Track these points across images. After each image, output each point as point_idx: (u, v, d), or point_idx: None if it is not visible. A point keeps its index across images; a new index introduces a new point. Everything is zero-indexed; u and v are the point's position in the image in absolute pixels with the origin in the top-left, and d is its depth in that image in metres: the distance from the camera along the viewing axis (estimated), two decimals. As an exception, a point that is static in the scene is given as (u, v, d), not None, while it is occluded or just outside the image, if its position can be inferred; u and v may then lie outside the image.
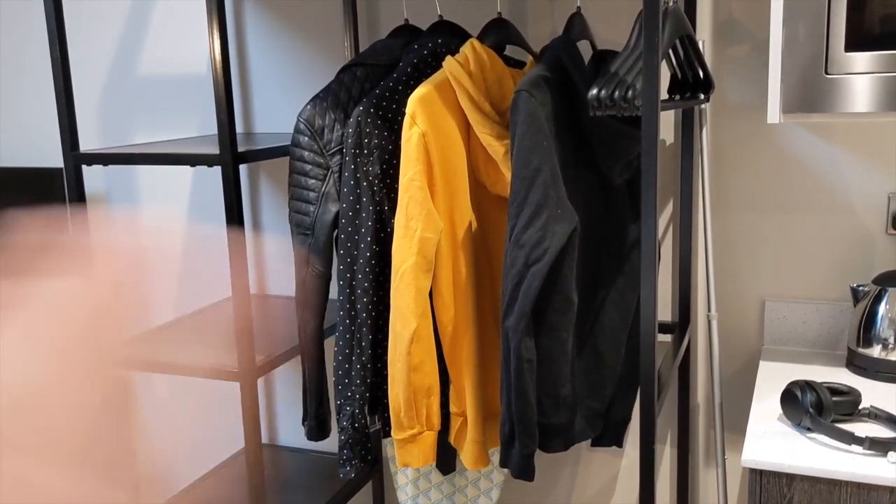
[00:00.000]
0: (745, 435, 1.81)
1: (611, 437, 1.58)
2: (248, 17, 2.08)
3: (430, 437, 1.52)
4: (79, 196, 1.67)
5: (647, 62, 1.21)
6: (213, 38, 1.47)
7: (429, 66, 1.54)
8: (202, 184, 2.22)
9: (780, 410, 1.39)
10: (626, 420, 1.58)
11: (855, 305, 1.59)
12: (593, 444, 1.59)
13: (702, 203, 1.72)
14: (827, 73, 1.32)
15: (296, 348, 1.70)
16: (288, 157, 1.57)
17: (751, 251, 1.75)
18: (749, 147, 1.72)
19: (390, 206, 1.50)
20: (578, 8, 1.52)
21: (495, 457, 1.69)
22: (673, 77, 1.58)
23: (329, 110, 1.54)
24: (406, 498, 1.80)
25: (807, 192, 1.69)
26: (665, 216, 1.81)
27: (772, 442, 1.31)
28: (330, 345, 1.66)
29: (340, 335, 1.54)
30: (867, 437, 1.25)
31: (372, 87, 1.57)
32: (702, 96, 1.60)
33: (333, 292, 1.58)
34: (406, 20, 1.71)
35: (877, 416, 1.35)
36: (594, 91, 1.28)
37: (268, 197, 2.15)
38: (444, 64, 1.46)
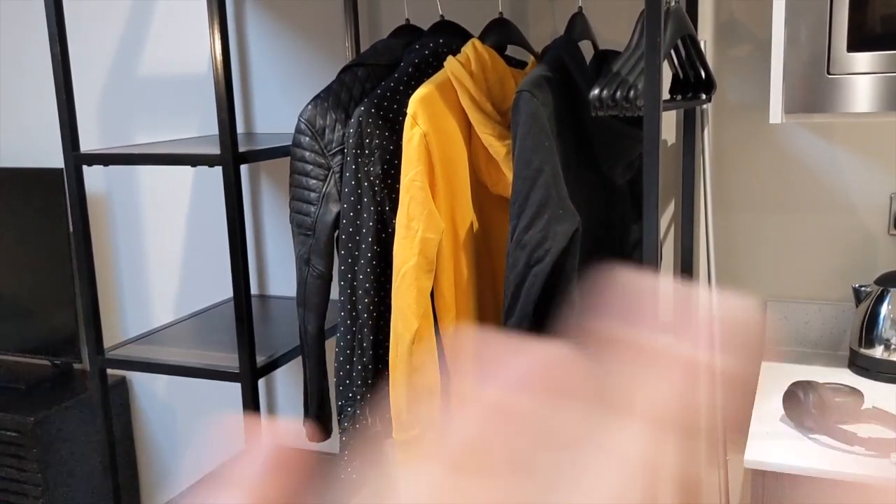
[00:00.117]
0: (746, 436, 1.80)
1: (612, 437, 1.58)
2: (248, 17, 2.08)
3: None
4: (79, 196, 1.67)
5: (649, 62, 1.20)
6: (213, 37, 1.47)
7: (430, 67, 1.54)
8: (203, 184, 2.22)
9: (782, 411, 1.39)
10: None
11: (857, 306, 1.58)
12: (595, 445, 1.58)
13: (703, 203, 1.72)
14: (829, 73, 1.32)
15: (297, 349, 1.69)
16: (289, 158, 1.56)
17: (752, 251, 1.75)
18: (750, 147, 1.72)
19: (391, 206, 1.50)
20: (580, 8, 1.52)
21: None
22: (674, 77, 1.57)
23: (330, 110, 1.54)
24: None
25: (808, 192, 1.69)
26: (666, 216, 1.81)
27: (774, 443, 1.31)
28: (331, 345, 1.66)
29: (341, 336, 1.54)
30: (870, 438, 1.24)
31: (373, 87, 1.57)
32: (703, 96, 1.59)
33: (334, 293, 1.58)
34: (407, 20, 1.71)
35: (879, 416, 1.35)
36: (596, 91, 1.27)
37: (268, 197, 2.15)
38: (445, 64, 1.45)
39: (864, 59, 1.29)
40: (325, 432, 1.66)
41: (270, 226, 2.16)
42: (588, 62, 1.49)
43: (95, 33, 2.24)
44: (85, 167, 1.68)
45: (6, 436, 2.18)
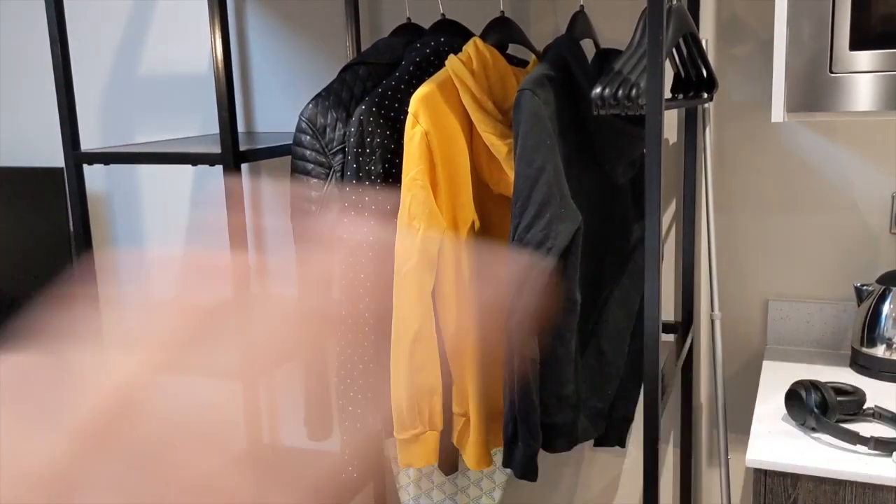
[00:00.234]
0: (748, 435, 1.80)
1: (614, 436, 1.57)
2: (249, 16, 2.08)
3: (432, 438, 1.52)
4: (80, 196, 1.66)
5: (652, 60, 1.20)
6: (214, 36, 1.46)
7: (431, 65, 1.53)
8: (203, 183, 2.21)
9: (784, 410, 1.39)
10: (629, 419, 1.57)
11: (859, 305, 1.58)
12: (596, 444, 1.58)
13: (705, 202, 1.72)
14: (831, 72, 1.31)
15: (298, 348, 1.69)
16: (290, 157, 1.56)
17: (754, 250, 1.75)
18: (752, 146, 1.72)
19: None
20: (581, 6, 1.52)
21: (498, 457, 1.69)
22: (676, 76, 1.57)
23: (331, 109, 1.54)
24: (408, 498, 1.79)
25: (810, 191, 1.69)
26: (668, 215, 1.80)
27: (776, 442, 1.31)
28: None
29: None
30: (872, 437, 1.24)
31: (374, 85, 1.57)
32: (705, 95, 1.59)
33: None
34: (408, 19, 1.71)
35: (881, 415, 1.35)
36: (598, 90, 1.27)
37: (269, 196, 2.15)
38: (446, 62, 1.45)
39: (866, 58, 1.29)
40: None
41: (270, 225, 2.16)
42: (590, 61, 1.49)
43: (96, 32, 2.24)
44: (85, 167, 1.67)
45: (6, 435, 2.17)
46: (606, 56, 1.51)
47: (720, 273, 1.77)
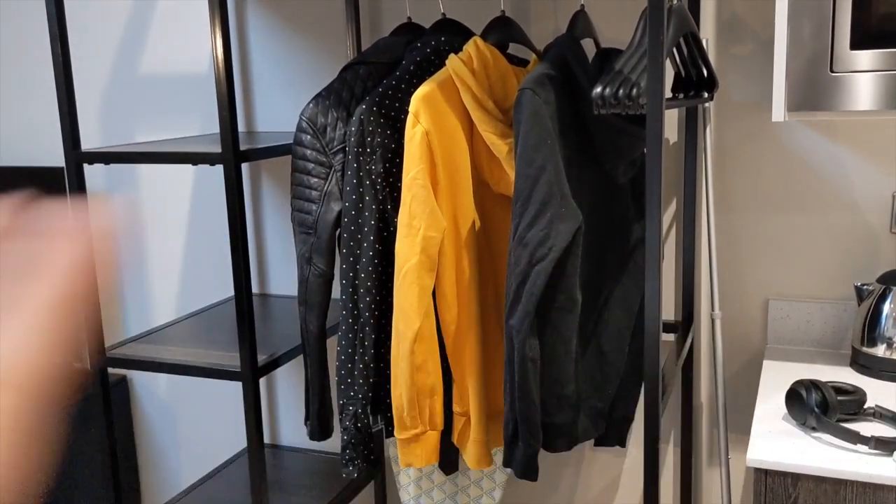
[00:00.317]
0: (748, 434, 1.80)
1: (614, 436, 1.57)
2: (249, 15, 2.08)
3: (433, 437, 1.52)
4: (80, 195, 1.66)
5: (652, 60, 1.20)
6: (215, 35, 1.46)
7: (432, 65, 1.53)
8: (204, 182, 2.21)
9: (784, 410, 1.39)
10: (630, 419, 1.57)
11: (859, 304, 1.58)
12: (597, 444, 1.58)
13: (705, 202, 1.72)
14: (832, 71, 1.31)
15: (298, 348, 1.69)
16: (290, 156, 1.56)
17: (754, 250, 1.75)
18: (753, 146, 1.72)
19: (393, 204, 1.50)
20: (582, 6, 1.52)
21: (498, 456, 1.69)
22: (677, 75, 1.57)
23: (332, 108, 1.53)
24: (408, 498, 1.79)
25: (811, 190, 1.69)
26: (668, 215, 1.80)
27: (777, 441, 1.31)
28: (332, 344, 1.66)
29: (343, 335, 1.54)
30: (872, 437, 1.24)
31: (375, 85, 1.57)
32: (705, 95, 1.59)
33: (336, 292, 1.58)
34: (409, 18, 1.71)
35: (882, 415, 1.35)
36: (598, 89, 1.27)
37: (269, 196, 2.15)
38: (447, 62, 1.45)
39: (867, 57, 1.29)
40: (327, 431, 1.66)
41: (271, 224, 2.16)
42: (590, 60, 1.49)
43: (96, 32, 2.24)
44: (85, 166, 1.67)
45: (7, 435, 2.17)
46: (607, 55, 1.51)
47: (720, 272, 1.77)
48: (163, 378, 2.39)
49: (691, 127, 1.71)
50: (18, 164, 2.42)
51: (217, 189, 2.20)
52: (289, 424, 2.26)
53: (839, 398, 1.33)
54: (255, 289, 2.20)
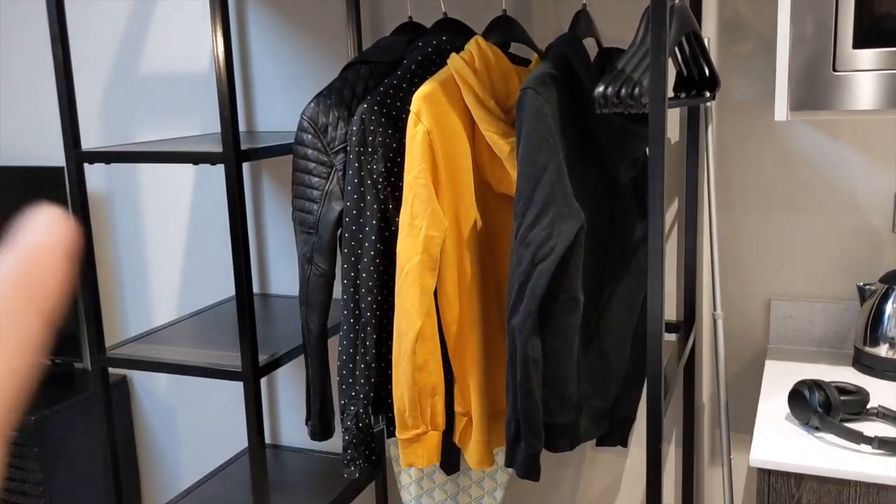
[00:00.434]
0: (750, 434, 1.80)
1: (616, 436, 1.57)
2: (250, 15, 2.07)
3: (434, 437, 1.51)
4: (81, 195, 1.66)
5: (655, 59, 1.20)
6: (216, 35, 1.46)
7: (433, 64, 1.53)
8: (204, 182, 2.21)
9: (787, 410, 1.39)
10: (631, 419, 1.57)
11: (861, 304, 1.58)
12: (598, 444, 1.58)
13: (707, 201, 1.72)
14: (835, 70, 1.31)
15: (299, 348, 1.69)
16: (291, 155, 1.56)
17: (756, 250, 1.74)
18: (755, 145, 1.71)
19: (395, 204, 1.50)
20: (584, 5, 1.51)
21: (499, 457, 1.68)
22: (678, 74, 1.57)
23: (333, 108, 1.53)
24: (410, 498, 1.79)
25: (813, 190, 1.69)
26: (670, 214, 1.80)
27: (780, 441, 1.30)
28: (334, 344, 1.65)
29: (344, 334, 1.54)
30: (876, 437, 1.24)
31: (376, 84, 1.56)
32: (707, 94, 1.59)
33: (337, 291, 1.58)
34: (410, 17, 1.70)
35: (885, 415, 1.34)
36: (601, 88, 1.27)
37: (270, 195, 2.14)
38: (448, 61, 1.45)
39: (869, 56, 1.29)
40: (328, 432, 1.65)
41: (272, 224, 2.16)
42: (592, 59, 1.49)
43: (97, 31, 2.23)
44: (86, 166, 1.67)
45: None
46: (609, 55, 1.51)
47: (722, 272, 1.76)
48: (163, 378, 2.38)
49: (693, 126, 1.71)
50: (18, 163, 2.41)
51: (218, 189, 2.19)
52: (290, 424, 2.26)
53: (842, 398, 1.33)
54: (255, 288, 2.19)
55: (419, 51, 1.54)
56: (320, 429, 1.64)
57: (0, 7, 2.36)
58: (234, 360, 1.60)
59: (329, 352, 1.63)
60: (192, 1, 2.12)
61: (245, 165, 2.11)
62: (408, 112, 1.43)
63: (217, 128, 2.12)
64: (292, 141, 1.55)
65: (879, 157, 1.63)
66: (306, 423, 1.66)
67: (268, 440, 2.27)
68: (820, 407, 1.31)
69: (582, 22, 1.50)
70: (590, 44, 1.53)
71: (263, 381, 2.22)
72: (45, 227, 0.26)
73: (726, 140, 1.73)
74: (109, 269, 2.37)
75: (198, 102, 2.16)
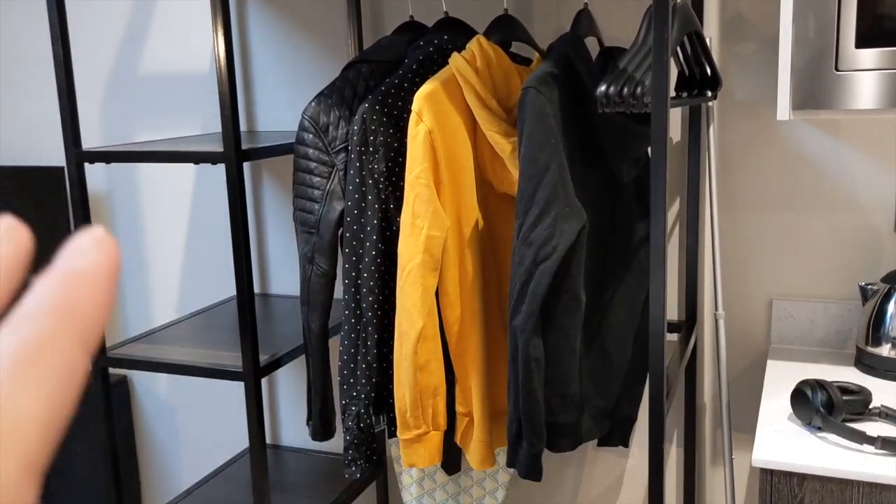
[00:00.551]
0: (751, 434, 1.80)
1: (617, 436, 1.57)
2: (251, 14, 2.07)
3: (436, 438, 1.51)
4: (81, 195, 1.65)
5: (657, 58, 1.19)
6: (217, 34, 1.46)
7: (435, 63, 1.53)
8: (205, 182, 2.21)
9: (789, 410, 1.38)
10: (633, 419, 1.57)
11: (863, 304, 1.57)
12: (600, 444, 1.57)
13: (709, 201, 1.71)
14: (837, 70, 1.31)
15: (300, 348, 1.68)
16: (291, 155, 1.55)
17: (758, 249, 1.74)
18: (756, 145, 1.71)
19: (396, 204, 1.49)
20: (585, 4, 1.51)
21: (501, 457, 1.68)
22: (680, 74, 1.56)
23: (334, 107, 1.53)
24: (411, 498, 1.79)
25: (815, 190, 1.68)
26: (672, 214, 1.80)
27: (782, 441, 1.30)
28: (335, 344, 1.65)
29: (345, 334, 1.53)
30: (879, 437, 1.24)
31: (377, 84, 1.56)
32: (709, 94, 1.58)
33: (338, 291, 1.57)
34: (411, 17, 1.70)
35: (887, 415, 1.34)
36: (603, 88, 1.26)
37: (270, 195, 2.14)
38: (450, 61, 1.45)
39: (872, 56, 1.29)
40: (329, 432, 1.65)
41: (272, 224, 2.15)
42: (593, 59, 1.48)
43: (98, 31, 2.23)
44: (86, 166, 1.66)
45: (7, 435, 2.16)
46: (610, 54, 1.50)
47: (724, 272, 1.76)
48: (164, 378, 2.38)
49: (695, 126, 1.70)
50: (19, 163, 2.41)
51: (218, 188, 2.19)
52: (290, 424, 2.26)
53: (845, 398, 1.32)
54: (256, 288, 2.19)
55: (420, 50, 1.54)
56: (321, 429, 1.64)
57: (0, 7, 2.36)
58: (234, 360, 1.60)
59: (330, 352, 1.63)
60: (193, 0, 2.12)
61: (245, 165, 2.11)
62: (409, 111, 1.42)
63: (217, 127, 2.12)
64: (293, 140, 1.55)
65: (881, 156, 1.63)
66: (307, 424, 1.66)
67: (268, 440, 2.26)
68: (822, 407, 1.31)
69: (583, 21, 1.50)
70: (591, 43, 1.53)
71: (264, 382, 2.22)
72: (88, 251, 0.25)
73: (728, 140, 1.72)
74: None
75: (198, 102, 2.16)
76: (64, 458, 2.22)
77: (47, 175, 2.25)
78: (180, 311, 2.31)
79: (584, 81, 1.41)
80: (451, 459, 1.62)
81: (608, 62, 1.48)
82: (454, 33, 1.57)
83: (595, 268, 1.47)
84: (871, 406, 1.35)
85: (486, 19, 1.56)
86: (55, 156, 2.35)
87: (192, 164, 2.15)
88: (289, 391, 2.24)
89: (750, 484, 1.83)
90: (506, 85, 1.48)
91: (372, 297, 1.50)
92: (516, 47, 1.64)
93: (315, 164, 1.53)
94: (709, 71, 1.55)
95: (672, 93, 1.57)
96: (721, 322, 1.72)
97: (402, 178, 1.48)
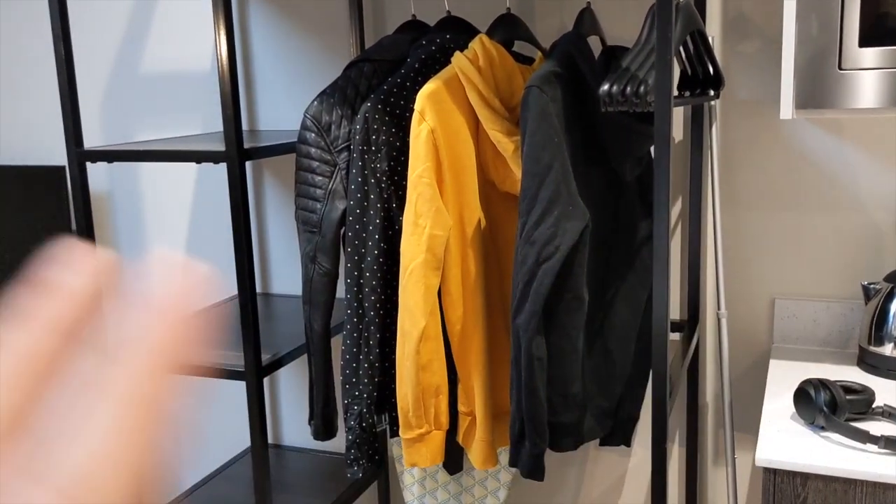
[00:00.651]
0: (753, 434, 1.80)
1: (619, 435, 1.57)
2: (252, 13, 2.07)
3: (438, 437, 1.51)
4: (83, 194, 1.65)
5: (661, 57, 1.19)
6: (219, 34, 1.45)
7: (437, 62, 1.53)
8: (206, 181, 2.21)
9: (792, 409, 1.38)
10: (635, 418, 1.57)
11: (866, 303, 1.57)
12: (602, 444, 1.57)
13: (711, 200, 1.71)
14: (840, 69, 1.30)
15: (302, 347, 1.68)
16: (293, 154, 1.55)
17: (761, 249, 1.74)
18: (759, 144, 1.71)
19: (398, 203, 1.49)
20: (588, 3, 1.51)
21: (503, 456, 1.68)
22: (683, 73, 1.56)
23: (336, 106, 1.53)
24: (412, 498, 1.78)
25: (817, 189, 1.68)
26: (674, 213, 1.80)
27: (785, 441, 1.30)
28: (337, 344, 1.65)
29: (348, 334, 1.53)
30: (882, 436, 1.23)
31: (379, 83, 1.56)
32: (712, 93, 1.58)
33: (340, 290, 1.57)
34: (413, 16, 1.70)
35: (891, 414, 1.34)
36: (606, 87, 1.26)
37: (272, 194, 2.14)
38: (452, 60, 1.44)
39: (875, 55, 1.28)
40: (331, 431, 1.65)
41: (273, 223, 2.15)
42: (596, 58, 1.48)
43: (99, 30, 2.23)
44: (88, 165, 1.66)
45: (8, 435, 2.16)
46: (613, 53, 1.50)
47: (726, 271, 1.76)
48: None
49: (697, 125, 1.70)
50: (20, 163, 2.41)
51: (219, 187, 2.19)
52: (292, 424, 2.26)
53: (848, 397, 1.32)
54: (258, 288, 2.19)
55: (423, 49, 1.54)
56: (323, 428, 1.64)
57: (0, 7, 2.35)
58: (236, 359, 1.60)
59: (332, 351, 1.62)
60: (194, 0, 2.12)
61: (247, 164, 2.10)
62: (412, 111, 1.42)
63: (218, 126, 2.11)
64: (295, 139, 1.54)
65: (884, 155, 1.63)
66: (309, 423, 1.66)
67: (270, 440, 2.26)
68: (826, 406, 1.31)
69: (586, 20, 1.50)
70: (594, 42, 1.53)
71: (266, 381, 2.22)
72: (186, 285, 0.24)
73: (730, 139, 1.72)
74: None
75: (199, 101, 2.15)
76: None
77: (48, 174, 2.25)
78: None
79: (587, 80, 1.40)
80: (453, 459, 1.62)
81: (611, 61, 1.48)
82: (456, 32, 1.57)
83: (598, 267, 1.47)
84: (874, 405, 1.35)
85: (489, 18, 1.56)
86: (56, 155, 2.35)
87: (193, 164, 2.15)
88: (290, 391, 2.24)
89: (752, 483, 1.83)
90: (508, 84, 1.48)
91: (374, 296, 1.49)
92: (519, 46, 1.64)
93: (317, 163, 1.52)
94: (711, 70, 1.55)
95: (675, 92, 1.56)
96: (723, 321, 1.72)
97: (404, 177, 1.48)
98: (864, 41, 1.29)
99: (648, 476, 1.91)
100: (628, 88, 1.25)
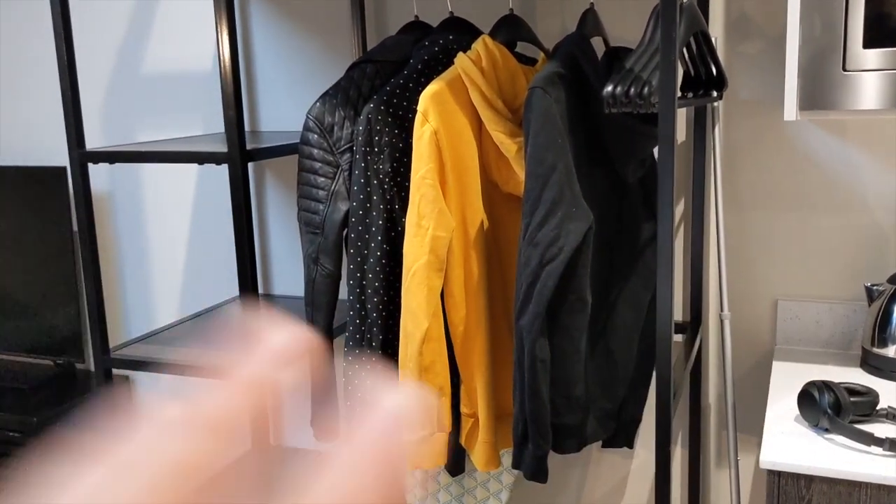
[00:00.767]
0: (756, 436, 1.79)
1: (622, 437, 1.56)
2: (254, 14, 2.06)
3: (441, 439, 1.50)
4: (84, 195, 1.65)
5: (665, 57, 1.19)
6: (221, 34, 1.45)
7: (440, 63, 1.52)
8: (208, 182, 2.20)
9: (796, 411, 1.38)
10: (637, 420, 1.56)
11: (870, 305, 1.57)
12: (605, 446, 1.57)
13: (714, 202, 1.71)
14: (844, 70, 1.30)
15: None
16: (295, 156, 1.55)
17: (764, 250, 1.73)
18: (762, 145, 1.70)
19: (401, 204, 1.49)
20: (591, 4, 1.50)
21: (505, 458, 1.67)
22: (685, 74, 1.56)
23: (339, 107, 1.52)
24: (414, 500, 1.78)
25: (820, 190, 1.68)
26: (677, 214, 1.79)
27: (789, 443, 1.30)
28: (339, 345, 1.64)
29: (350, 335, 1.53)
30: (887, 438, 1.23)
31: (382, 83, 1.55)
32: (715, 94, 1.58)
33: (343, 292, 1.57)
34: (416, 16, 1.70)
35: (895, 416, 1.33)
36: (609, 88, 1.26)
37: (274, 195, 2.14)
38: (455, 61, 1.44)
39: (880, 56, 1.28)
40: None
41: (275, 224, 2.15)
42: (599, 59, 1.48)
43: (101, 31, 2.23)
44: (89, 166, 1.66)
45: (9, 436, 2.16)
46: (616, 54, 1.50)
47: (729, 273, 1.76)
48: (165, 378, 2.37)
49: (700, 126, 1.70)
50: (21, 163, 2.41)
51: (221, 188, 2.18)
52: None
53: (852, 399, 1.32)
54: (260, 289, 2.18)
55: (426, 50, 1.53)
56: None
57: (1, 7, 2.35)
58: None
59: (335, 352, 1.62)
60: (195, 0, 2.11)
61: (248, 165, 2.10)
62: (414, 112, 1.42)
63: (220, 127, 2.11)
64: (297, 141, 1.54)
65: (888, 157, 1.63)
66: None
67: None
68: (830, 408, 1.30)
69: (589, 21, 1.49)
70: (597, 43, 1.53)
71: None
72: (407, 398, 0.23)
73: (733, 140, 1.72)
74: (112, 269, 2.36)
75: (200, 102, 2.15)
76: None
77: (49, 175, 2.25)
78: (183, 311, 2.30)
79: (591, 81, 1.40)
80: (456, 461, 1.62)
81: (614, 62, 1.47)
82: (459, 33, 1.57)
83: (601, 268, 1.47)
84: (878, 407, 1.35)
85: (492, 19, 1.56)
86: (57, 156, 2.35)
87: (194, 165, 2.15)
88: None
89: (755, 485, 1.82)
90: (511, 85, 1.48)
91: (377, 297, 1.49)
92: (522, 47, 1.63)
93: (320, 164, 1.52)
94: (714, 71, 1.54)
95: (678, 93, 1.56)
96: (726, 323, 1.72)
97: (407, 178, 1.47)
98: (868, 42, 1.28)
99: (651, 478, 1.91)
100: (632, 89, 1.25)
